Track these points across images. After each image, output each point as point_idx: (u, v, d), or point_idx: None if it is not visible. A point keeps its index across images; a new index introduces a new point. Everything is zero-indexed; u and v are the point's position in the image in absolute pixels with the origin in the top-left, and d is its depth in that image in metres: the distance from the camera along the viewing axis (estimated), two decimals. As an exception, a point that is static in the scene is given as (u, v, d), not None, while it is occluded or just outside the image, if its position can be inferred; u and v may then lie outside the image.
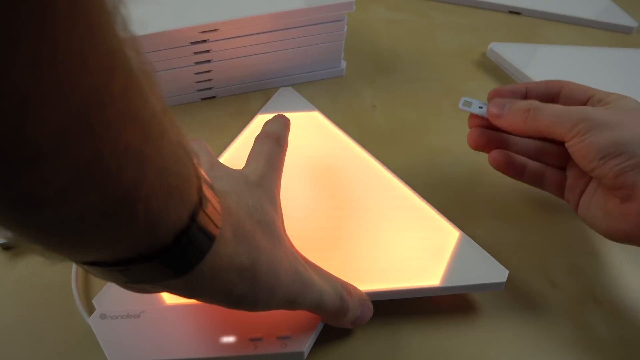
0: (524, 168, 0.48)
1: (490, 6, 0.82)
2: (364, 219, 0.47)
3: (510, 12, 0.81)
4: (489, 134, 0.48)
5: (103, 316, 0.39)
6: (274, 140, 0.43)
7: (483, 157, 0.49)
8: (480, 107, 0.47)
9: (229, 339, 0.38)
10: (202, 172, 0.28)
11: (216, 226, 0.28)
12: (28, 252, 0.46)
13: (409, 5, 0.81)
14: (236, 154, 0.52)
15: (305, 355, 0.39)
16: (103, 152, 0.20)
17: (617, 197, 0.40)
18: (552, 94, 0.47)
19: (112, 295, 0.41)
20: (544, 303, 0.44)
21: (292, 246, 0.38)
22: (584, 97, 0.45)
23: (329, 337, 0.41)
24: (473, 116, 0.49)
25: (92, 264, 0.25)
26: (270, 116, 0.47)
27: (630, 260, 0.48)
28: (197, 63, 0.59)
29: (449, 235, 0.45)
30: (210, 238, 0.28)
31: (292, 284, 0.34)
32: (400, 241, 0.45)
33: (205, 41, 0.58)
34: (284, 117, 0.47)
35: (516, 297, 0.45)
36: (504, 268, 0.42)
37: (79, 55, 0.18)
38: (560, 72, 0.66)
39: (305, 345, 0.38)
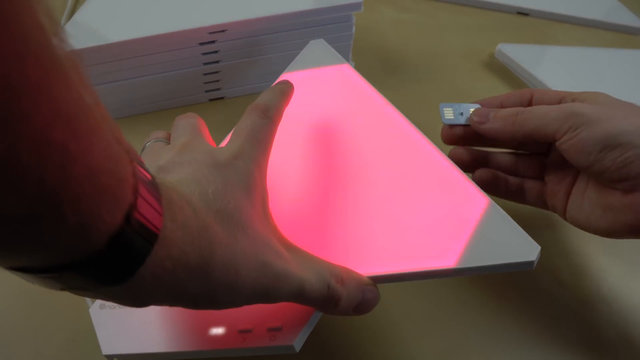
0: (506, 184, 0.47)
1: (498, 7, 0.82)
2: (382, 185, 0.42)
3: (519, 12, 0.81)
4: (473, 152, 0.48)
5: (102, 306, 0.39)
6: (261, 112, 0.39)
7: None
8: (461, 114, 0.47)
9: (218, 331, 0.36)
10: (140, 169, 0.26)
11: (156, 227, 0.26)
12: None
13: (417, 6, 0.81)
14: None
15: (297, 349, 0.35)
16: (19, 148, 0.18)
17: (619, 190, 0.39)
18: (525, 102, 0.47)
19: None
20: (551, 303, 0.44)
21: (271, 232, 0.35)
22: (555, 99, 0.45)
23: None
24: (447, 128, 0.49)
25: (21, 269, 0.23)
26: (295, 74, 0.46)
27: (639, 261, 0.48)
28: (205, 64, 0.60)
29: (475, 203, 0.40)
30: (150, 241, 0.25)
31: (259, 278, 0.31)
32: (418, 211, 0.40)
33: (213, 42, 0.58)
34: (285, 83, 0.44)
35: (524, 297, 0.45)
36: (535, 244, 0.36)
37: None
38: (568, 73, 0.66)
39: (295, 338, 0.35)
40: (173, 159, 0.32)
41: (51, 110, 0.19)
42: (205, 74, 0.60)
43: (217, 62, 0.60)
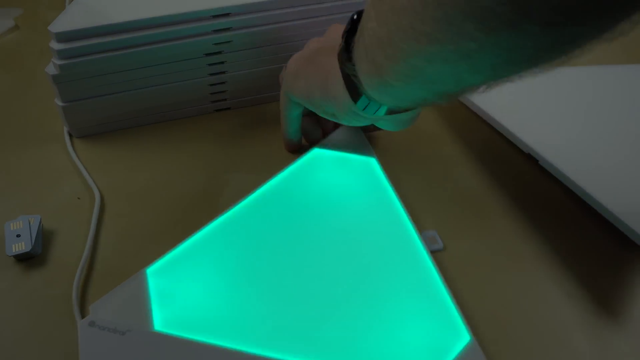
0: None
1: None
2: (372, 290, 0.43)
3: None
4: None
5: (92, 324, 0.39)
6: None
7: (498, 168, 0.48)
8: None
9: None
10: None
11: None
12: (42, 263, 0.46)
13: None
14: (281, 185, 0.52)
15: None
16: None
17: None
18: None
19: (109, 306, 0.41)
20: (559, 314, 0.44)
21: None
22: None
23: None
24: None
25: None
26: (326, 151, 0.52)
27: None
28: (211, 74, 0.59)
29: (458, 336, 0.40)
30: None
31: None
32: (399, 327, 0.41)
33: (219, 53, 0.58)
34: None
35: (532, 307, 0.44)
36: None
37: None
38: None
39: None
40: None
41: None
42: (211, 85, 0.60)
43: (223, 72, 0.60)
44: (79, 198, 0.51)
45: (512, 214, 0.51)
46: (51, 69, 0.54)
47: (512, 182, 0.54)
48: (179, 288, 0.43)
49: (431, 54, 0.30)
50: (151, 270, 0.43)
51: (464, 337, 0.40)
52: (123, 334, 0.39)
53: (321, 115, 0.50)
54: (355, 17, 0.42)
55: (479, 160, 0.56)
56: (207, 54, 0.58)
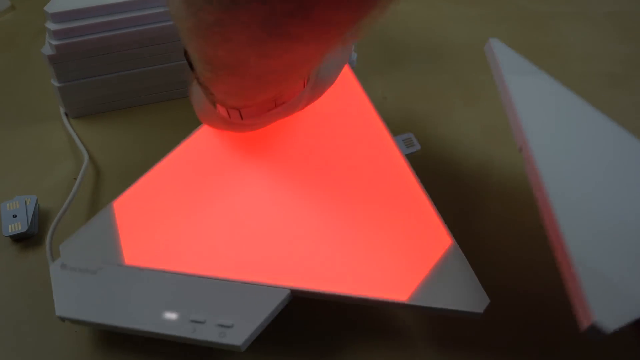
0: None
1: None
2: (354, 203, 0.43)
3: None
4: None
5: (63, 266, 0.40)
6: None
7: (494, 149, 0.48)
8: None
9: (171, 316, 0.37)
10: None
11: None
12: (38, 243, 0.46)
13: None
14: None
15: (243, 348, 0.36)
16: None
17: None
18: None
19: (78, 246, 0.41)
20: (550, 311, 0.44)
21: None
22: None
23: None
24: None
25: None
26: None
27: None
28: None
29: (440, 241, 0.40)
30: None
31: None
32: (383, 236, 0.40)
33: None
34: None
35: (525, 299, 0.44)
36: (486, 296, 0.37)
37: None
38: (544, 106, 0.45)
39: (244, 338, 0.36)
40: None
41: None
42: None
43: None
44: (75, 178, 0.51)
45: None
46: (47, 50, 0.54)
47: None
48: (146, 220, 0.42)
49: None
50: (118, 203, 0.43)
51: (445, 241, 0.40)
52: (95, 273, 0.39)
53: None
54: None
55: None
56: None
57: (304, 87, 0.41)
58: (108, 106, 0.60)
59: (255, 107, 0.39)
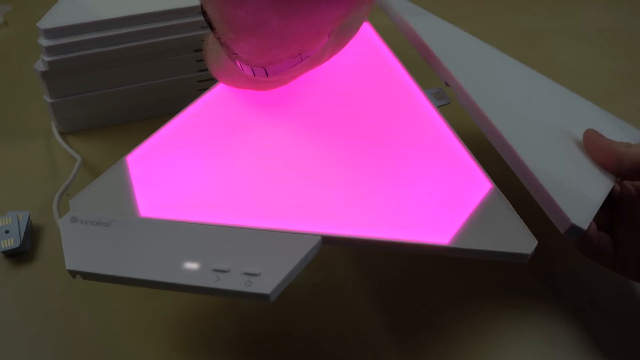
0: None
1: None
2: (386, 149, 0.41)
3: None
4: None
5: (74, 219, 0.37)
6: None
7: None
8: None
9: (191, 266, 0.34)
10: None
11: None
12: (31, 259, 0.46)
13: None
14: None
15: (272, 299, 0.33)
16: None
17: None
18: None
19: (89, 199, 0.39)
20: (546, 310, 0.44)
21: None
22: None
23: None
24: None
25: None
26: None
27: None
28: (200, 71, 0.60)
29: (479, 185, 0.38)
30: None
31: None
32: (419, 181, 0.39)
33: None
34: None
35: (518, 303, 0.44)
36: (533, 237, 0.35)
37: None
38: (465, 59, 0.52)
39: (273, 287, 0.33)
40: None
41: None
42: (199, 81, 0.60)
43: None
44: (67, 194, 0.50)
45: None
46: (40, 66, 0.54)
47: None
48: (162, 172, 0.40)
49: None
50: (132, 158, 0.41)
51: (485, 185, 0.38)
52: (108, 225, 0.37)
53: None
54: None
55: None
56: (196, 50, 0.58)
57: (328, 38, 0.40)
58: (100, 122, 0.60)
59: (281, 63, 0.39)
